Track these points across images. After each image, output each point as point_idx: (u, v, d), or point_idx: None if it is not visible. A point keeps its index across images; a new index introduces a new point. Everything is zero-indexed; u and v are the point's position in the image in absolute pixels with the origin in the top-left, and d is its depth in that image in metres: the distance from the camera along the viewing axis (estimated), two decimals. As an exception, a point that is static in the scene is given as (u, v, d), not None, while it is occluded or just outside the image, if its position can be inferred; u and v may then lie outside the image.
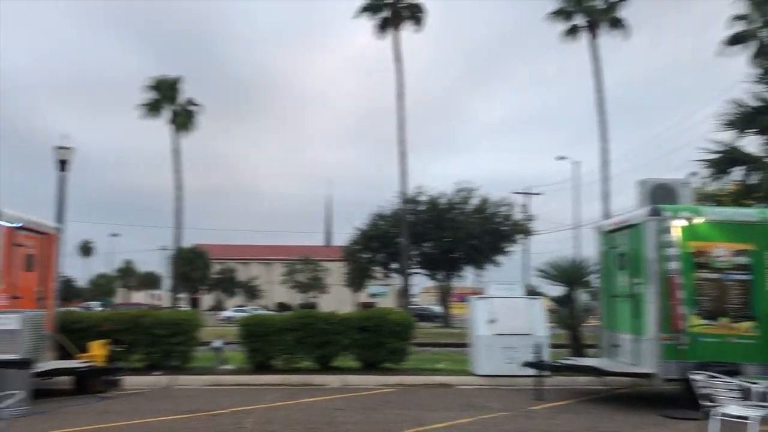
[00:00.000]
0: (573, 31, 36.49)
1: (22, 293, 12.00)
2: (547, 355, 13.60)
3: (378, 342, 14.57)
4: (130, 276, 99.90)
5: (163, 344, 14.09)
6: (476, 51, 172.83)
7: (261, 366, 14.67)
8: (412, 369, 14.94)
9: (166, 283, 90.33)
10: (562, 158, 51.98)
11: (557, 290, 18.55)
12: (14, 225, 11.68)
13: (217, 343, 14.95)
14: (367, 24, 40.53)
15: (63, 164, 16.72)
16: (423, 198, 46.03)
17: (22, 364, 10.18)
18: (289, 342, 14.45)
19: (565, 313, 17.34)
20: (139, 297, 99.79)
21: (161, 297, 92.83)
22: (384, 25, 40.72)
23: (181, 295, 65.35)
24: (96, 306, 62.34)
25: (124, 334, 13.91)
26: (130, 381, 12.92)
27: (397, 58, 39.90)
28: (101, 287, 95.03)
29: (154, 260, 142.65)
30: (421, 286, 74.68)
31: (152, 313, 15.00)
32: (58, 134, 16.86)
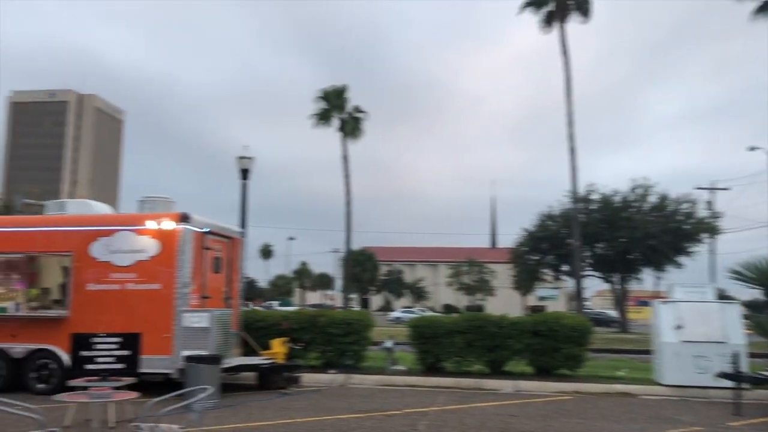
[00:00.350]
0: (764, 8, 32.88)
1: (210, 293, 12.87)
2: (745, 366, 12.24)
3: (553, 347, 13.94)
4: (305, 277, 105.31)
5: (338, 343, 14.50)
6: (648, 40, 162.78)
7: (431, 368, 14.63)
8: (590, 376, 14.14)
9: (339, 284, 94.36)
10: (754, 149, 47.08)
11: (752, 294, 16.73)
12: (203, 230, 12.56)
13: (388, 344, 15.12)
14: (530, 20, 39.49)
15: (245, 173, 17.82)
16: (595, 196, 43.84)
17: (213, 359, 10.89)
18: (459, 344, 14.27)
19: (764, 319, 15.55)
20: (314, 297, 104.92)
21: (334, 297, 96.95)
22: (549, 19, 39.42)
23: (352, 296, 67.76)
24: (276, 305, 66.31)
25: (302, 332, 14.50)
26: (308, 378, 13.44)
27: (564, 51, 38.44)
28: (280, 288, 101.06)
29: (327, 262, 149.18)
30: (594, 289, 71.32)
31: (327, 312, 15.50)
32: (239, 145, 17.98)
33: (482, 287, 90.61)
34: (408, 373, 14.45)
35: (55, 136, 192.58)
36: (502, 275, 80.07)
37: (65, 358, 11.65)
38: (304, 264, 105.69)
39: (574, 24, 39.50)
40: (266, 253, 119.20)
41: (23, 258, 12.43)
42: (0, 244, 12.47)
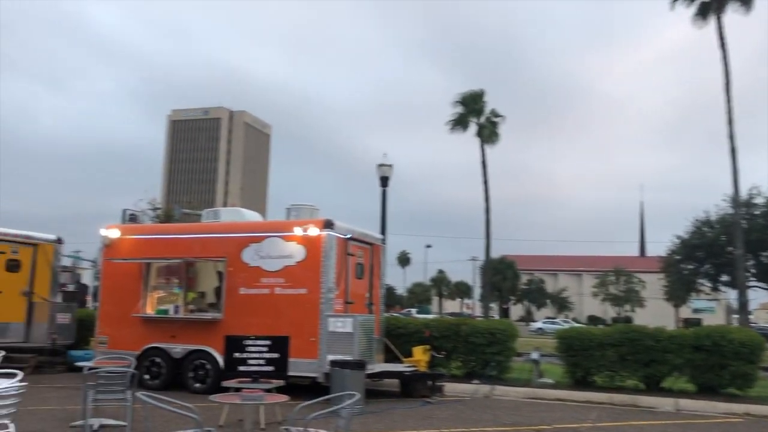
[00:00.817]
0: None
1: (353, 299, 12.97)
2: None
3: (719, 363, 12.70)
4: (443, 285, 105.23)
5: (481, 353, 14.11)
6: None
7: (580, 381, 13.85)
8: (763, 397, 12.74)
9: (477, 292, 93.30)
10: None
11: None
12: (346, 236, 12.70)
13: (534, 355, 14.52)
14: (679, 15, 36.93)
15: (384, 180, 17.93)
16: (759, 200, 40.16)
17: (357, 365, 10.92)
18: (611, 358, 13.40)
19: None
20: (452, 306, 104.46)
21: (472, 306, 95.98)
22: (704, 12, 36.68)
23: (491, 305, 66.68)
24: (414, 313, 66.63)
25: (444, 341, 14.26)
26: (450, 388, 13.16)
27: (722, 45, 35.57)
28: (417, 295, 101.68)
29: (465, 270, 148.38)
30: (758, 301, 65.31)
31: (470, 321, 15.16)
32: (374, 154, 18.16)
33: (630, 298, 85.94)
34: (555, 386, 13.77)
35: (209, 150, 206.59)
36: (653, 286, 75.49)
37: (219, 359, 12.18)
38: (441, 272, 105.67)
39: (732, 15, 36.49)
40: (404, 260, 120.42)
41: (182, 263, 13.19)
42: (161, 250, 13.30)
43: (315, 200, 13.82)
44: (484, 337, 14.08)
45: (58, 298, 17.42)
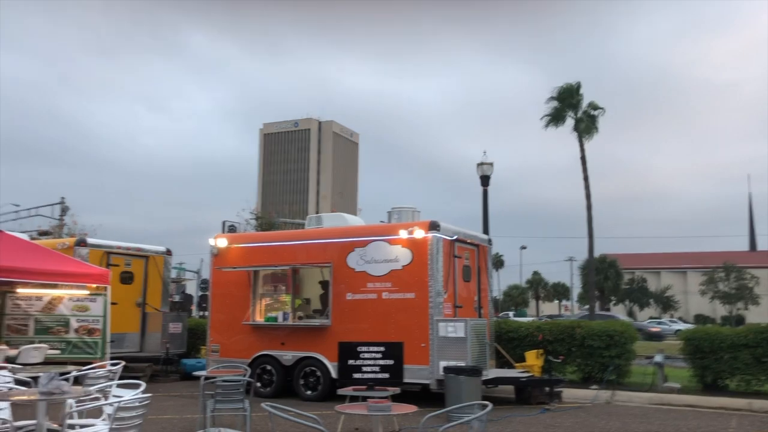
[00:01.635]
0: None
1: (461, 302, 12.54)
2: None
3: None
4: (539, 287, 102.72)
5: (599, 356, 13.33)
6: None
7: (710, 386, 12.83)
8: None
9: (575, 293, 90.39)
10: None
11: None
12: (452, 238, 12.29)
13: (658, 358, 13.59)
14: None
15: (485, 179, 17.41)
16: None
17: (473, 371, 10.47)
18: (745, 360, 12.33)
19: None
20: (550, 308, 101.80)
21: (570, 308, 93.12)
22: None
23: (593, 306, 64.23)
24: (511, 316, 65.26)
25: (558, 344, 13.59)
26: (568, 393, 12.50)
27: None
28: (514, 298, 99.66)
29: (561, 271, 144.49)
30: None
31: (586, 323, 14.38)
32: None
33: (743, 295, 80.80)
34: (683, 391, 12.81)
35: (300, 161, 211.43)
36: (767, 281, 70.78)
37: (329, 365, 12.05)
38: (536, 273, 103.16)
39: None
40: (498, 262, 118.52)
41: (288, 270, 13.17)
42: (267, 257, 13.33)
43: (406, 204, 13.49)
44: (601, 340, 13.31)
45: (168, 308, 17.91)
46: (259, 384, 12.65)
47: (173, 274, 32.94)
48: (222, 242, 13.64)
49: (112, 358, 14.36)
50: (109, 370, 9.32)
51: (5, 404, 6.79)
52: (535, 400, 11.78)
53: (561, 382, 12.33)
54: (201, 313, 30.24)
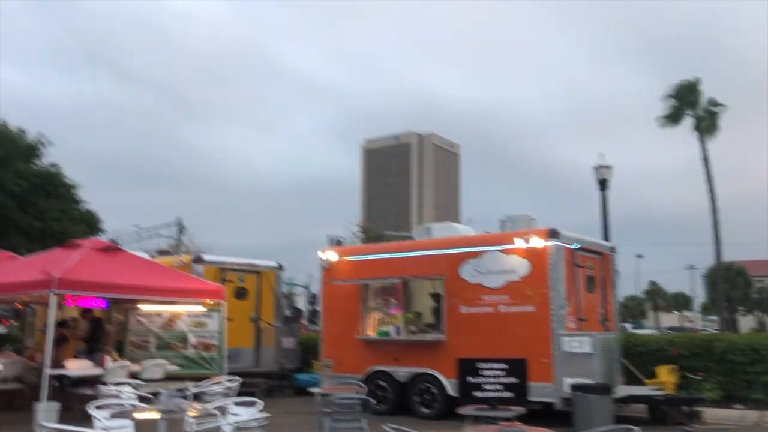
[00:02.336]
0: None
1: (585, 315, 11.72)
2: None
3: None
4: (657, 297, 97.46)
5: (742, 373, 12.09)
6: None
7: None
8: None
9: (697, 303, 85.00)
10: None
11: None
12: (573, 246, 11.53)
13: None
14: None
15: (603, 183, 16.42)
16: None
17: (602, 389, 9.67)
18: None
19: None
20: (669, 319, 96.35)
21: (693, 319, 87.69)
22: None
23: (714, 317, 60.03)
24: (630, 328, 62.12)
25: (694, 359, 12.45)
26: (709, 414, 11.36)
27: None
28: (631, 309, 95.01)
29: (679, 280, 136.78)
30: None
31: (726, 337, 13.14)
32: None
33: None
34: None
35: (401, 175, 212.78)
36: None
37: (446, 382, 11.56)
38: (654, 283, 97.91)
39: None
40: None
41: (398, 283, 12.81)
42: (378, 270, 13.03)
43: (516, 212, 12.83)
44: (745, 355, 12.08)
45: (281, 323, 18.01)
46: (374, 401, 12.31)
47: (284, 288, 33.54)
48: (332, 256, 13.49)
49: (228, 374, 14.57)
50: (227, 387, 9.29)
51: (129, 422, 6.79)
52: (671, 420, 10.76)
53: (701, 401, 11.23)
54: (312, 327, 30.51)
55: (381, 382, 12.46)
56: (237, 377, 9.96)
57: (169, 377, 12.58)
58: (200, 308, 14.50)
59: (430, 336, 12.25)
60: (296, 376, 16.20)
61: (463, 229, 13.56)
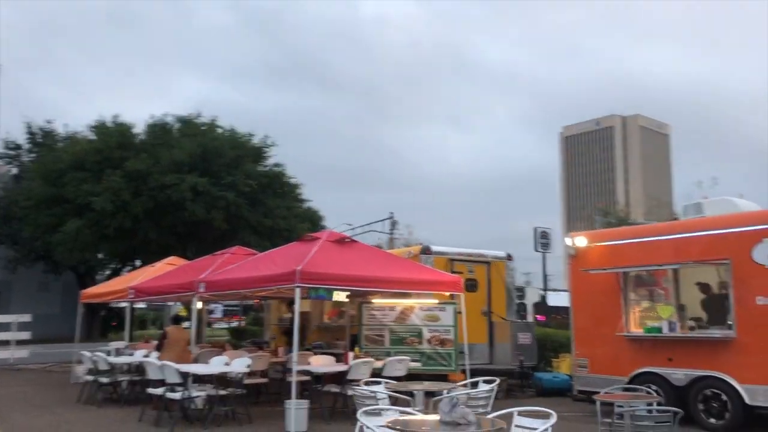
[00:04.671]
0: None
1: None
2: None
3: None
4: None
5: None
6: None
7: None
8: None
9: None
10: None
11: None
12: None
13: None
14: None
15: None
16: None
17: None
18: None
19: None
20: None
21: None
22: None
23: None
24: None
25: None
26: None
27: None
28: None
29: None
30: None
31: None
32: None
33: None
34: None
35: (604, 160, 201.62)
36: None
37: (740, 388, 9.51)
38: None
39: None
40: None
41: (668, 270, 10.91)
42: (639, 256, 11.20)
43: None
44: None
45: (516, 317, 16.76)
46: (681, 411, 10.54)
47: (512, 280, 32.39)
48: (581, 241, 11.90)
49: (463, 371, 13.57)
50: (487, 390, 8.19)
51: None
52: None
53: None
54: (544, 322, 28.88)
55: (650, 386, 10.64)
56: (494, 378, 8.81)
57: (412, 375, 11.87)
58: (432, 301, 13.72)
59: (717, 333, 10.18)
60: (537, 375, 14.81)
61: (744, 204, 11.25)
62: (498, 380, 8.72)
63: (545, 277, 34.52)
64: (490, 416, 5.97)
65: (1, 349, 20.83)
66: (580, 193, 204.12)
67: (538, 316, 30.49)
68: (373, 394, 7.65)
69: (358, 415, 5.85)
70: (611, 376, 11.07)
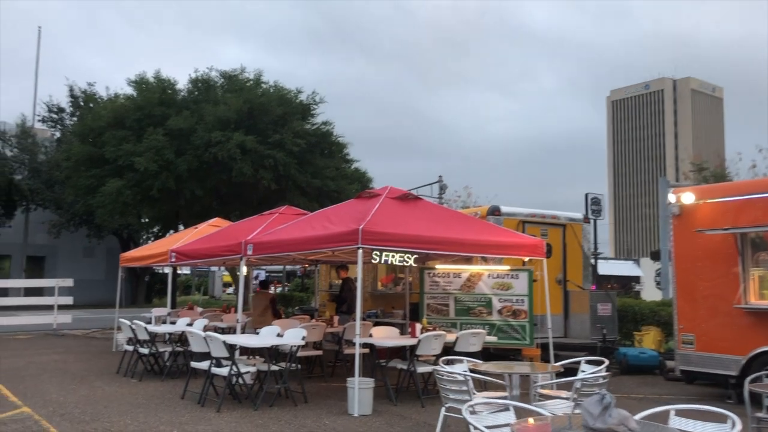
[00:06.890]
0: None
1: None
2: None
3: None
4: None
5: None
6: None
7: None
8: None
9: None
10: None
11: None
12: None
13: None
14: None
15: None
16: None
17: None
18: None
19: None
20: None
21: None
22: None
23: None
24: None
25: None
26: None
27: None
28: None
29: None
30: None
31: None
32: None
33: None
34: None
35: (653, 125, 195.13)
36: None
37: None
38: None
39: None
40: None
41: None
42: (763, 214, 9.43)
43: None
44: None
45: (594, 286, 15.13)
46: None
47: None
48: (688, 197, 10.15)
49: (538, 346, 12.11)
50: (602, 375, 6.67)
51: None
52: None
53: None
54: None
55: (775, 368, 8.99)
56: (603, 359, 7.29)
57: (486, 349, 10.45)
58: (503, 267, 12.23)
59: None
60: (621, 350, 13.22)
61: None
62: (606, 361, 7.20)
63: (596, 244, 32.77)
64: (636, 417, 4.44)
65: (44, 314, 20.24)
66: (629, 158, 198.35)
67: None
68: (463, 378, 6.21)
69: (464, 412, 4.40)
70: (724, 355, 9.47)
